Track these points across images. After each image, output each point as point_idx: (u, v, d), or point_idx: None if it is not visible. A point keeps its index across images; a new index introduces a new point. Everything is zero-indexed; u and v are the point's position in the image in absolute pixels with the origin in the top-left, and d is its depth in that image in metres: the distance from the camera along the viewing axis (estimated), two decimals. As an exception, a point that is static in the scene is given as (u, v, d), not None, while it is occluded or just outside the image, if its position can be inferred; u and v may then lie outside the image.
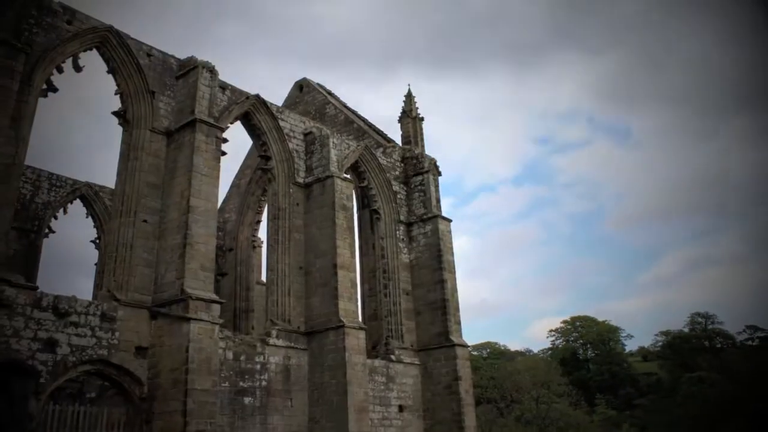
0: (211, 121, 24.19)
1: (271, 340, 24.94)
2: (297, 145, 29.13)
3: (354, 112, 36.79)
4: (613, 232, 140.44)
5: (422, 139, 35.61)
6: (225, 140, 24.97)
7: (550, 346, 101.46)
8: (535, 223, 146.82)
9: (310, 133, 29.59)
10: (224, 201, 35.54)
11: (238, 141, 30.45)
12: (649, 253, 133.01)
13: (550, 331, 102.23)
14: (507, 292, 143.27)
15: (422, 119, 36.16)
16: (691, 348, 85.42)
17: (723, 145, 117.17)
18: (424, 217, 32.63)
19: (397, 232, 32.18)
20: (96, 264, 33.59)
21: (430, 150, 35.44)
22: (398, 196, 32.99)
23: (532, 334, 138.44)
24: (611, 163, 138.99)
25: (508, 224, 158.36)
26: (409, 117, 35.93)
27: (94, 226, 33.85)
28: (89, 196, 33.28)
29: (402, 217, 32.72)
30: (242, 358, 23.73)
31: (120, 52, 23.70)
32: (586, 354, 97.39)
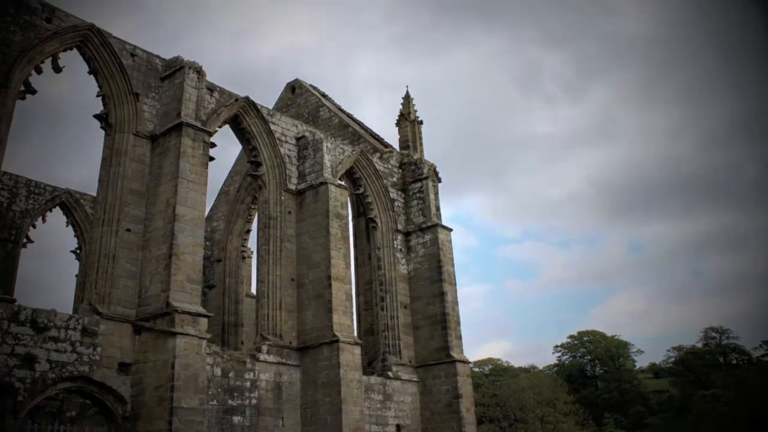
0: (198, 124, 24.20)
1: (262, 356, 24.89)
2: (289, 150, 29.15)
3: (349, 115, 36.82)
4: (550, 290, 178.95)
5: (421, 144, 35.61)
6: (213, 145, 24.97)
7: (556, 362, 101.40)
8: (484, 289, 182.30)
9: (303, 137, 29.62)
10: (212, 209, 35.56)
11: (226, 146, 30.51)
12: (586, 301, 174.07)
13: (556, 346, 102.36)
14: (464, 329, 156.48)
15: (421, 122, 36.18)
16: (705, 364, 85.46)
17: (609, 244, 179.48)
18: (423, 226, 32.63)
19: (395, 242, 32.18)
20: (77, 275, 33.57)
21: (429, 155, 35.54)
22: (396, 203, 33.01)
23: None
24: (539, 253, 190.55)
25: (460, 286, 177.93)
26: (408, 120, 35.94)
27: (75, 236, 33.87)
28: (70, 203, 33.29)
29: (400, 226, 32.73)
30: (231, 374, 23.68)
31: (102, 52, 23.70)
32: (593, 370, 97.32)
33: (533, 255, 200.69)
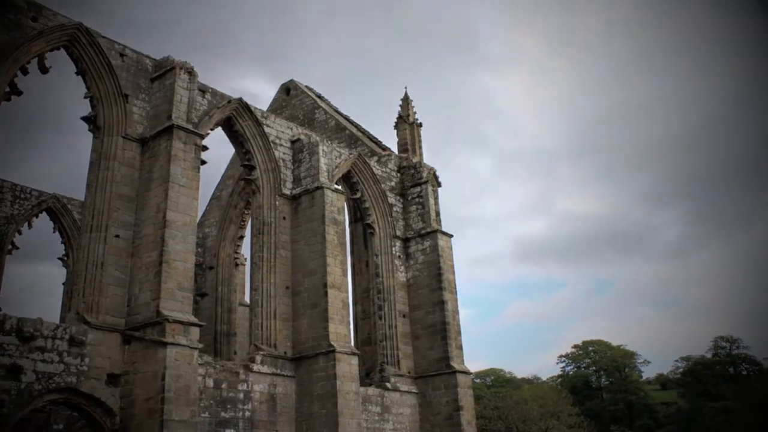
0: (190, 127, 24.21)
1: (256, 367, 24.87)
2: (283, 153, 29.15)
3: (346, 117, 36.82)
4: (513, 320, 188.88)
5: (420, 147, 35.58)
6: (205, 148, 24.99)
7: (560, 373, 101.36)
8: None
9: (298, 140, 29.62)
10: (204, 214, 35.52)
11: (219, 149, 30.42)
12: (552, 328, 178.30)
13: (560, 356, 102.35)
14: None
15: (420, 125, 36.17)
16: (714, 375, 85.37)
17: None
18: (423, 232, 32.62)
19: (393, 249, 32.16)
20: (64, 283, 33.57)
21: (429, 159, 35.52)
22: (394, 209, 32.99)
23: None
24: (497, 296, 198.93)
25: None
26: (406, 122, 35.92)
27: (62, 242, 33.83)
28: (57, 209, 33.27)
29: (398, 232, 32.71)
30: (224, 386, 23.64)
31: (90, 52, 23.70)
32: (599, 381, 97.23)
33: (492, 297, 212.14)
